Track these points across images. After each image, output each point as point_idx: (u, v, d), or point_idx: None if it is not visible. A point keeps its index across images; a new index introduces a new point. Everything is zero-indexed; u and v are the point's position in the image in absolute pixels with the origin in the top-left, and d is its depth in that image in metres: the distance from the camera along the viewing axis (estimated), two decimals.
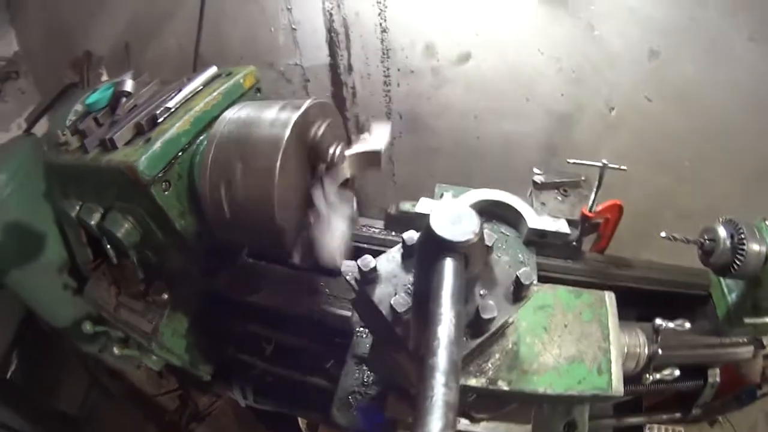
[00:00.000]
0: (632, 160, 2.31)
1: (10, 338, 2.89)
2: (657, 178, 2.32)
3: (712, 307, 1.43)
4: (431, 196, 1.54)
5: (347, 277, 0.88)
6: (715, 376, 1.42)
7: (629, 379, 1.08)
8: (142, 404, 2.96)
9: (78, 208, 1.53)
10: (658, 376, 1.16)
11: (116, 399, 3.02)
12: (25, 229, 1.96)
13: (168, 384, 2.70)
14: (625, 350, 1.09)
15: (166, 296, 1.67)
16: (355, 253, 1.47)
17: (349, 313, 1.33)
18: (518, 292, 0.83)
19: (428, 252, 0.72)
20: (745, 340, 1.38)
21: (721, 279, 1.39)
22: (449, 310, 0.60)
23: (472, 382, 0.88)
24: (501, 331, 0.91)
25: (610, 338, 0.99)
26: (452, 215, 0.72)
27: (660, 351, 1.14)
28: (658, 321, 1.15)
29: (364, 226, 1.60)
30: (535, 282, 0.82)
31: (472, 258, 0.72)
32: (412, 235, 0.85)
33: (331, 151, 1.13)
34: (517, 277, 0.81)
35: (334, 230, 1.13)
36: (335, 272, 1.42)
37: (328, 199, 1.14)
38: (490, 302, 0.78)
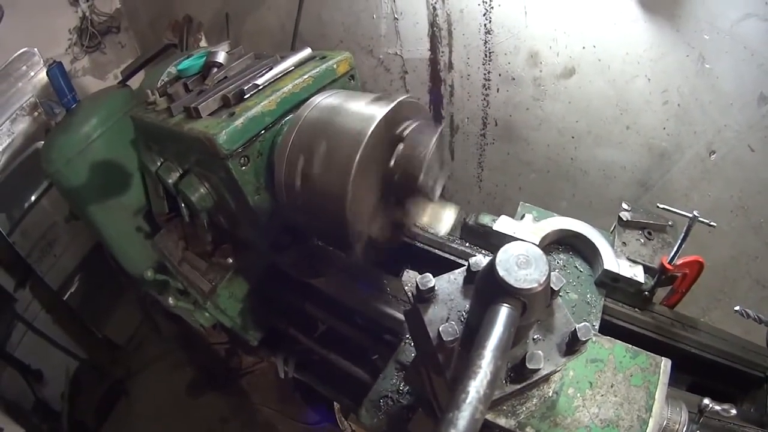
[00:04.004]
0: (723, 212, 2.18)
1: (76, 264, 3.19)
2: (745, 237, 2.12)
3: (764, 394, 1.34)
4: (515, 208, 1.53)
5: (405, 288, 0.87)
6: None
7: None
8: (189, 347, 3.17)
9: (159, 164, 1.63)
10: None
11: (164, 338, 3.26)
12: (110, 170, 2.11)
13: (219, 336, 2.88)
14: (664, 423, 1.01)
15: (230, 260, 1.76)
16: (424, 257, 1.49)
17: (403, 317, 1.33)
18: (572, 345, 0.78)
19: (487, 290, 0.69)
20: None
21: None
22: (489, 364, 0.59)
23: (501, 421, 0.85)
24: (545, 378, 0.87)
25: (653, 410, 0.92)
26: (521, 257, 0.69)
27: None
28: (706, 401, 1.06)
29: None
30: (593, 339, 0.77)
31: (532, 306, 0.69)
32: (478, 261, 0.82)
33: (418, 156, 1.10)
34: (575, 330, 0.77)
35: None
36: (399, 273, 1.42)
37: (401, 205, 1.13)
38: (539, 352, 0.75)
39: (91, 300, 3.29)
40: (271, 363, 2.98)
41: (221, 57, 1.49)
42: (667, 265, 1.33)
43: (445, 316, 0.81)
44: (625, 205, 1.50)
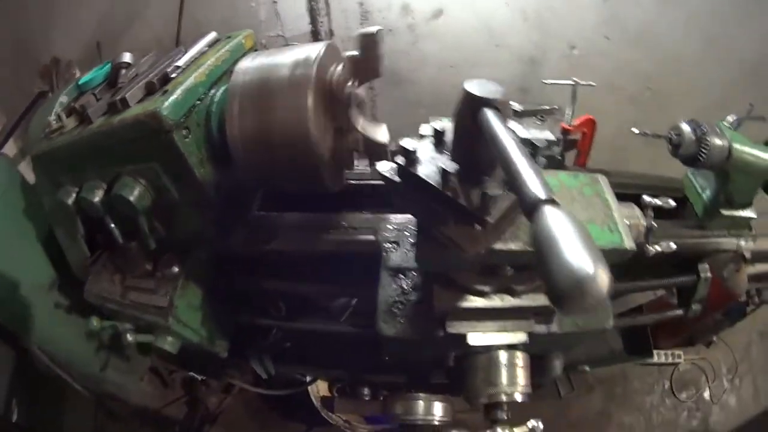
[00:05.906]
0: (598, 93, 2.54)
1: (7, 382, 2.70)
2: (624, 109, 2.60)
3: (690, 207, 1.61)
4: None
5: (384, 173, 0.97)
6: (705, 271, 1.55)
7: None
8: (150, 420, 2.85)
9: (75, 194, 1.51)
10: (658, 248, 1.30)
11: (124, 420, 2.89)
12: (10, 254, 1.80)
13: (173, 393, 2.62)
14: (626, 222, 1.22)
15: (176, 269, 1.64)
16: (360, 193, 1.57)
17: (372, 238, 1.40)
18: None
19: (467, 113, 0.83)
20: (727, 233, 1.55)
21: (694, 180, 1.57)
22: (507, 132, 0.72)
23: (511, 246, 0.97)
24: None
25: (612, 207, 1.12)
26: (481, 83, 0.84)
27: (654, 224, 1.27)
28: (645, 197, 1.30)
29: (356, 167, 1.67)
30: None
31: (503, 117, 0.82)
32: (444, 124, 0.96)
33: (348, 85, 1.20)
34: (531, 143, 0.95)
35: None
36: (348, 207, 1.50)
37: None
38: None
39: (40, 410, 2.80)
40: (235, 396, 2.80)
41: (128, 57, 1.47)
42: (567, 127, 1.62)
43: (434, 168, 0.91)
44: (513, 104, 1.77)
